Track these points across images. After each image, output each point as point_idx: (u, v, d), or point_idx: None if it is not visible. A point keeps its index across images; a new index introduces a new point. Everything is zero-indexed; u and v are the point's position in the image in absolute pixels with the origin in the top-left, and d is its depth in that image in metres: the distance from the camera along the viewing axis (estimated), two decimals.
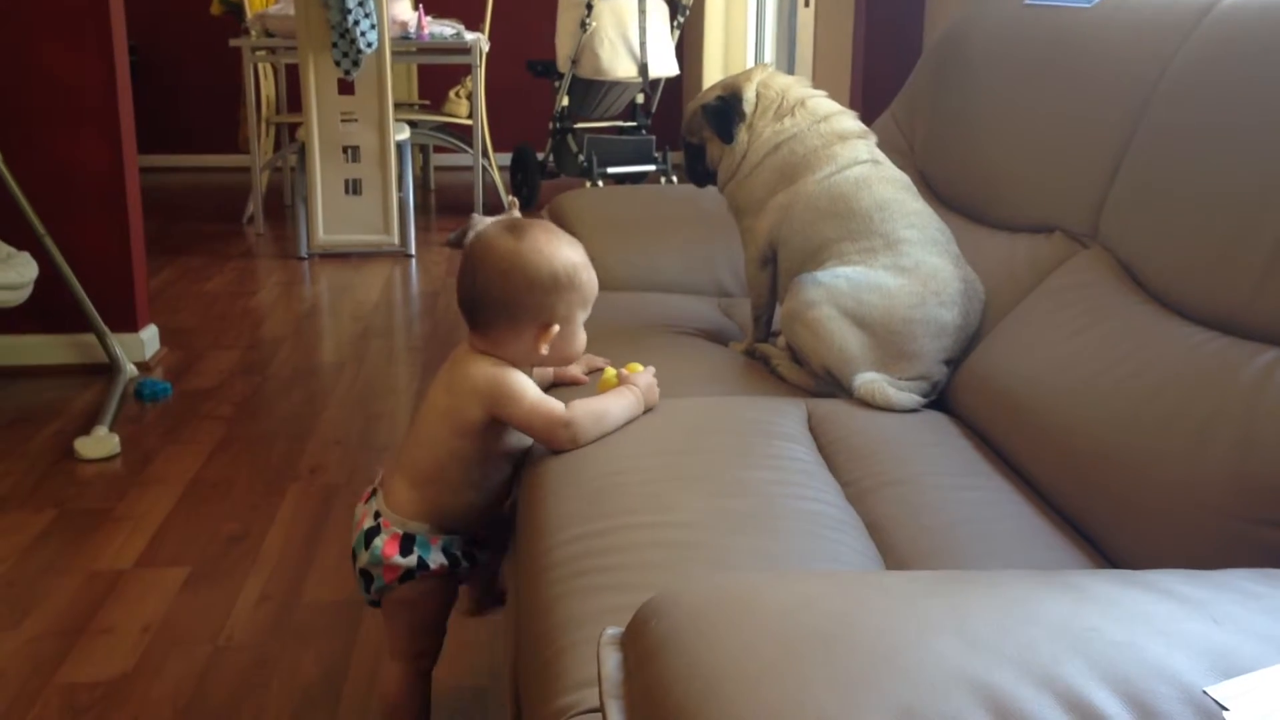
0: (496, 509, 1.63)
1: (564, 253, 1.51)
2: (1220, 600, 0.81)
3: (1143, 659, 0.73)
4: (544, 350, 1.52)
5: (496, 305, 1.50)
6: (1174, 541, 1.22)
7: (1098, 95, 1.77)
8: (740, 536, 1.26)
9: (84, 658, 1.96)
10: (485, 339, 1.53)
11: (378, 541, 1.54)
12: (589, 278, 1.53)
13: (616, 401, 1.56)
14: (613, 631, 0.89)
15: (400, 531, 1.55)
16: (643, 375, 1.61)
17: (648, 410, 1.59)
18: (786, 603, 0.81)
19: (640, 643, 0.82)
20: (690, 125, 2.06)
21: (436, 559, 1.55)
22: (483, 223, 5.28)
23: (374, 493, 1.60)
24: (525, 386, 1.51)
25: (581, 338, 1.56)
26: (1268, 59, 1.42)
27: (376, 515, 1.56)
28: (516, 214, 5.33)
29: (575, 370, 1.73)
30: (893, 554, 1.32)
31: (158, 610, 2.11)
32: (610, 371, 1.63)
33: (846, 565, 1.24)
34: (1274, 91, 1.39)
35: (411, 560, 1.54)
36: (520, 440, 1.57)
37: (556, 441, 1.51)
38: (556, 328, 1.51)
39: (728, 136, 1.97)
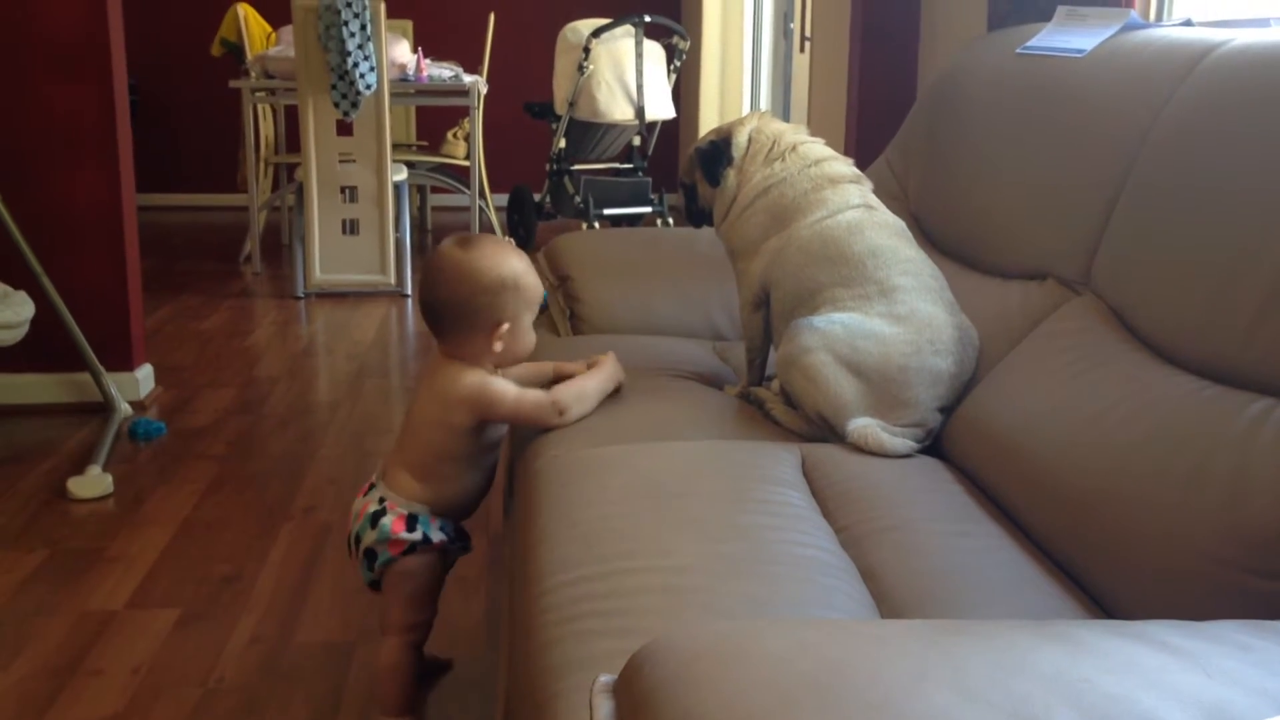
0: (485, 492, 1.86)
1: (509, 260, 1.75)
2: (1213, 652, 0.81)
3: (1135, 711, 0.73)
4: (497, 348, 1.74)
5: (453, 310, 1.74)
6: (1166, 590, 1.22)
7: (1090, 143, 1.79)
8: (734, 581, 1.25)
9: (74, 699, 1.94)
10: (449, 343, 1.77)
11: (385, 520, 1.76)
12: (533, 282, 1.77)
13: (592, 380, 1.85)
14: (605, 679, 0.89)
15: (405, 512, 1.77)
16: (604, 358, 1.90)
17: (618, 388, 1.88)
18: (780, 651, 0.81)
19: (633, 691, 0.82)
20: (686, 167, 2.09)
21: (437, 535, 1.79)
22: None
23: (372, 486, 1.82)
24: (504, 389, 1.77)
25: (530, 336, 1.80)
26: (1259, 108, 1.44)
27: (381, 500, 1.78)
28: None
29: (574, 366, 1.96)
30: (886, 600, 1.31)
31: (148, 651, 2.09)
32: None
33: (840, 611, 1.23)
34: (1265, 140, 1.40)
35: (416, 535, 1.77)
36: (501, 429, 1.84)
37: (549, 423, 1.78)
38: (507, 325, 1.74)
39: (713, 179, 2.00)
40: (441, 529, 1.80)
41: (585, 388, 1.83)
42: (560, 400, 1.79)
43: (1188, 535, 1.21)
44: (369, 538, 1.77)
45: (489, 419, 1.78)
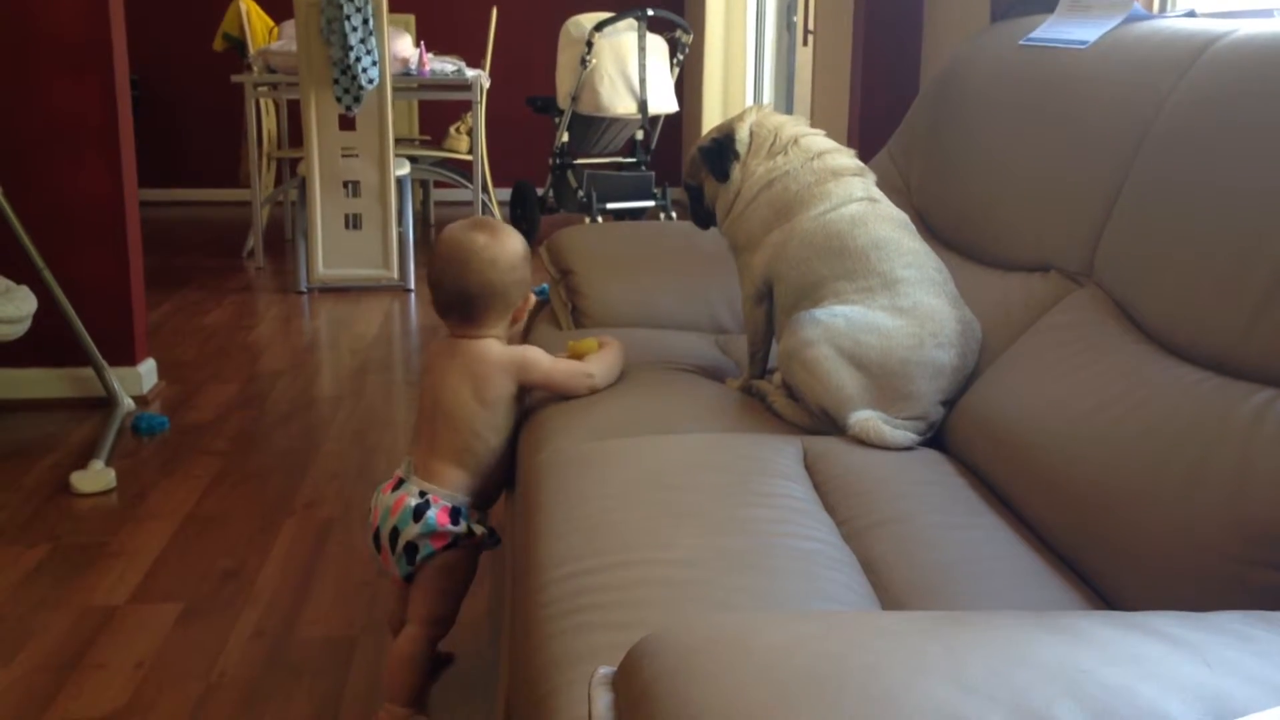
0: (508, 474, 1.88)
1: (514, 244, 1.84)
2: (1214, 643, 0.81)
3: (1136, 703, 0.73)
4: (518, 326, 1.88)
5: (488, 293, 1.80)
6: (1168, 582, 1.22)
7: (1093, 134, 1.78)
8: (735, 575, 1.25)
9: (76, 694, 1.94)
10: (478, 326, 1.83)
11: (431, 513, 1.77)
12: (528, 264, 1.87)
13: (613, 355, 1.95)
14: (605, 671, 0.89)
15: (449, 504, 1.79)
16: (607, 338, 2.00)
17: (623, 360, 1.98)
18: (780, 643, 0.81)
19: (632, 683, 0.82)
20: (690, 169, 2.08)
21: (479, 528, 1.81)
22: None
23: (400, 482, 1.81)
24: (538, 352, 1.87)
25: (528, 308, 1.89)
26: (1262, 99, 1.43)
27: (422, 494, 1.78)
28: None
29: (587, 344, 2.04)
30: (888, 593, 1.31)
31: (151, 646, 2.09)
32: (590, 341, 1.99)
33: (841, 604, 1.23)
34: (1268, 131, 1.39)
35: (461, 528, 1.78)
36: (523, 400, 1.90)
37: (578, 390, 1.88)
38: (533, 298, 1.86)
39: (722, 174, 1.98)
40: (481, 522, 1.83)
41: (611, 362, 1.93)
42: (590, 368, 1.89)
43: (1190, 527, 1.21)
44: (410, 531, 1.76)
45: (526, 382, 1.85)
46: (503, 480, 1.89)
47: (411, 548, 1.77)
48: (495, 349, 1.83)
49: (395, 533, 1.77)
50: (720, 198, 2.01)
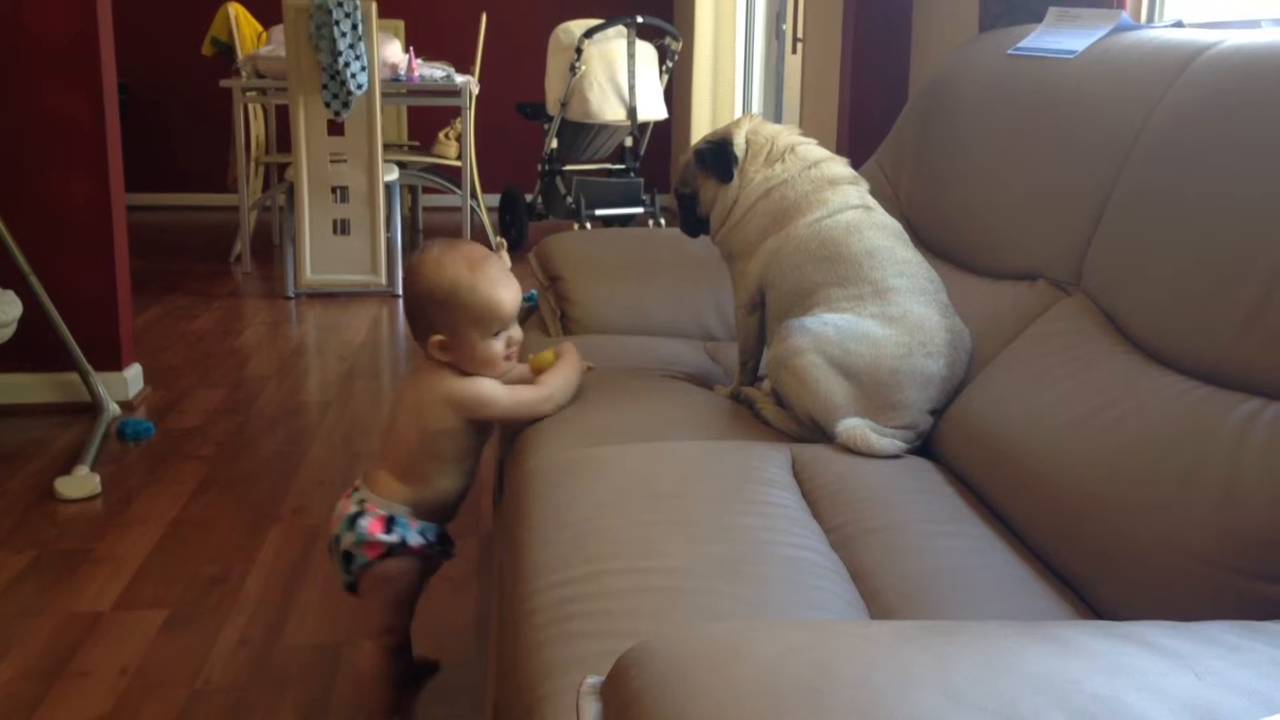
0: (465, 496, 1.83)
1: (447, 272, 1.69)
2: (1203, 654, 0.81)
3: (1125, 713, 0.73)
4: (441, 357, 1.72)
5: (411, 316, 1.75)
6: (1156, 591, 1.22)
7: (1081, 143, 1.79)
8: (724, 583, 1.25)
9: (61, 700, 1.93)
10: (424, 346, 1.74)
11: (363, 521, 1.72)
12: (481, 300, 1.69)
13: (569, 370, 1.88)
14: (593, 680, 0.88)
15: (384, 514, 1.73)
16: (564, 348, 1.91)
17: (580, 375, 1.91)
18: (769, 652, 0.80)
19: (621, 693, 0.82)
20: (684, 176, 2.06)
21: (415, 538, 1.74)
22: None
23: (355, 489, 1.77)
24: (493, 390, 1.75)
25: (488, 352, 1.72)
26: (1250, 109, 1.44)
27: (361, 502, 1.74)
28: (504, 255, 5.34)
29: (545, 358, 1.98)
30: (876, 601, 1.31)
31: (136, 653, 2.08)
32: (545, 354, 1.91)
33: (830, 613, 1.23)
34: (1256, 142, 1.40)
35: (394, 537, 1.73)
36: (486, 432, 1.81)
37: (542, 415, 1.83)
38: (440, 337, 1.70)
39: (727, 175, 1.97)
40: (422, 532, 1.76)
41: (565, 375, 1.87)
42: (546, 390, 1.83)
43: (1179, 537, 1.21)
44: (347, 540, 1.73)
45: (479, 418, 1.76)
46: (454, 501, 1.81)
47: (348, 556, 1.73)
48: (442, 382, 1.73)
49: (338, 540, 1.75)
50: (717, 205, 2.00)
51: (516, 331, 1.76)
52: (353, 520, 1.73)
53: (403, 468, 1.75)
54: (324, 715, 1.91)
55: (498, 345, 1.72)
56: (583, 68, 5.34)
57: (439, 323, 1.70)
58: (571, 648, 1.14)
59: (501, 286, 1.71)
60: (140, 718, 1.89)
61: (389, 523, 1.73)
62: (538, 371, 1.87)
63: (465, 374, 1.74)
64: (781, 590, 1.25)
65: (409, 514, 1.75)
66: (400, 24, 6.30)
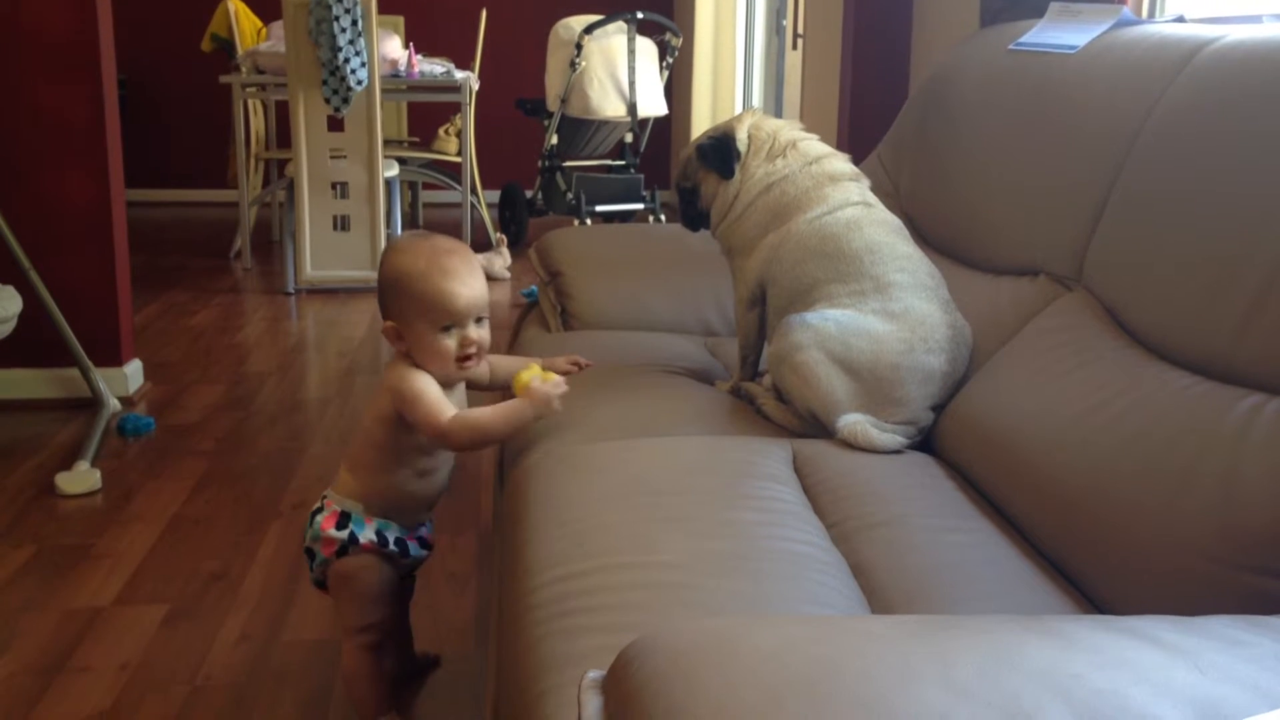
0: (430, 501, 1.78)
1: (398, 261, 1.66)
2: (1205, 648, 0.81)
3: (1127, 707, 0.73)
4: (396, 346, 1.69)
5: (378, 300, 1.71)
6: (1158, 587, 1.22)
7: (1082, 139, 1.79)
8: (724, 578, 1.25)
9: (61, 696, 1.93)
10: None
11: (318, 518, 1.73)
12: (423, 290, 1.63)
13: (501, 414, 1.68)
14: (594, 675, 0.88)
15: (339, 509, 1.72)
16: (544, 386, 1.69)
17: (537, 418, 1.70)
18: (770, 647, 0.80)
19: (622, 687, 0.81)
20: (685, 170, 2.06)
21: (367, 535, 1.72)
22: (499, 257, 5.30)
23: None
24: (421, 388, 1.66)
25: (437, 350, 1.66)
26: (1251, 104, 1.44)
27: (323, 497, 1.75)
28: (504, 251, 5.34)
29: (559, 363, 1.94)
30: (877, 596, 1.31)
31: (136, 649, 2.08)
32: (524, 375, 1.72)
33: (831, 608, 1.23)
34: (1257, 137, 1.40)
35: (344, 534, 1.71)
36: (414, 430, 1.70)
37: (440, 444, 1.70)
38: (390, 324, 1.67)
39: (728, 171, 1.97)
40: (379, 530, 1.72)
41: (488, 426, 1.67)
42: (450, 433, 1.65)
43: (1179, 532, 1.21)
44: (308, 535, 1.74)
45: (403, 414, 1.67)
46: (409, 502, 1.75)
47: (309, 552, 1.74)
48: (393, 369, 1.69)
49: (304, 536, 1.77)
50: (718, 200, 2.00)
51: (475, 332, 1.66)
52: (313, 515, 1.74)
53: (352, 457, 1.75)
54: (324, 711, 1.91)
55: (447, 342, 1.65)
56: (583, 63, 5.34)
57: (391, 309, 1.68)
58: (572, 643, 1.14)
59: (455, 280, 1.63)
60: (140, 713, 1.89)
61: (342, 518, 1.72)
62: (521, 389, 1.71)
63: (416, 366, 1.69)
64: (782, 585, 1.25)
65: (363, 510, 1.72)
66: (400, 20, 6.30)
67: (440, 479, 1.78)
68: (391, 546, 1.74)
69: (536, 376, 1.71)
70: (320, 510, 1.73)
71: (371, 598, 1.74)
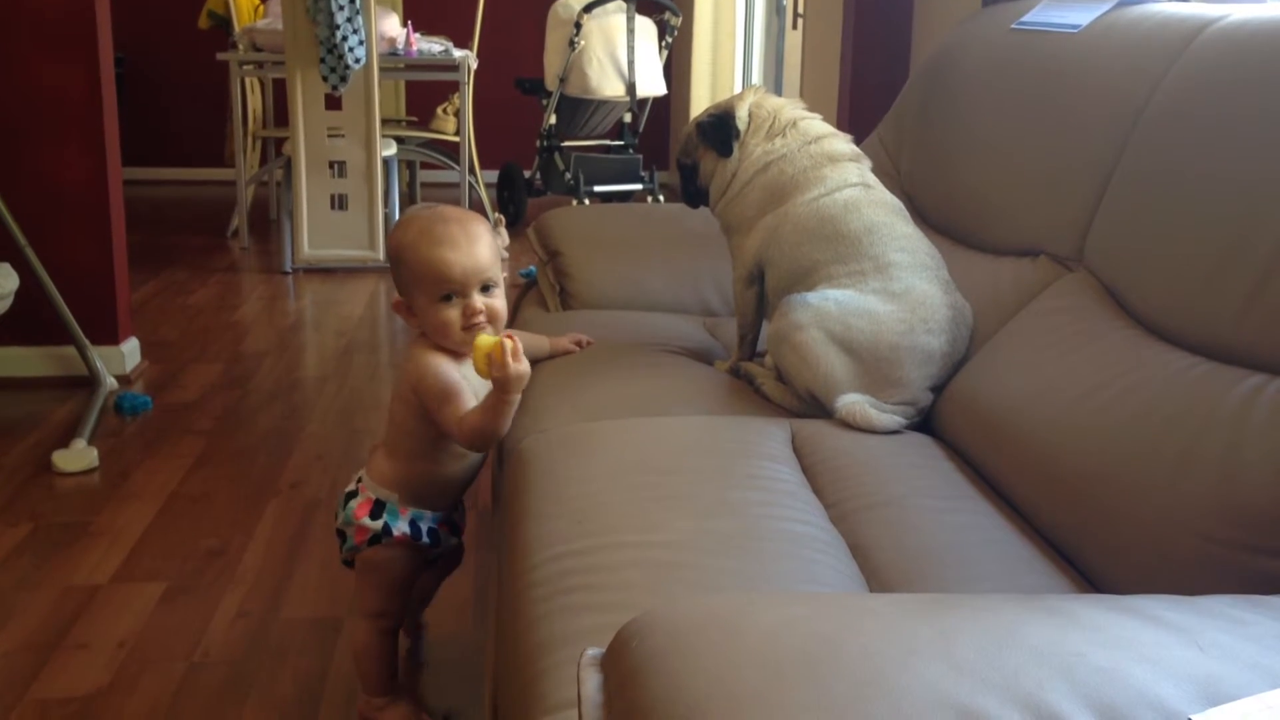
0: (465, 484, 1.76)
1: (397, 234, 1.64)
2: (1207, 627, 0.81)
3: (1128, 685, 0.73)
4: (408, 322, 1.66)
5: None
6: (1158, 566, 1.22)
7: (1084, 119, 1.78)
8: (724, 557, 1.25)
9: (58, 673, 1.93)
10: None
11: (352, 504, 1.70)
12: (415, 259, 1.60)
13: (490, 409, 1.55)
14: (593, 653, 0.88)
15: (374, 497, 1.69)
16: (502, 368, 1.51)
17: (518, 391, 1.55)
18: (770, 625, 0.80)
19: (621, 664, 0.81)
20: (685, 146, 2.05)
21: (400, 527, 1.69)
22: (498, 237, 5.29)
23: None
24: (434, 368, 1.61)
25: (432, 317, 1.61)
26: (1254, 84, 1.43)
27: (358, 480, 1.72)
28: (503, 231, 5.33)
29: (565, 342, 2.02)
30: (876, 576, 1.31)
31: (134, 626, 2.08)
32: (479, 360, 1.53)
33: (830, 587, 1.23)
34: (1261, 116, 1.39)
35: (378, 525, 1.68)
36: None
37: (452, 439, 1.64)
38: (397, 299, 1.67)
39: (726, 149, 1.96)
40: (413, 521, 1.70)
41: (486, 426, 1.57)
42: (460, 435, 1.60)
43: (1180, 512, 1.21)
44: (339, 518, 1.72)
45: (420, 394, 1.63)
46: (446, 488, 1.72)
47: (341, 534, 1.72)
48: (412, 353, 1.65)
49: (337, 515, 1.74)
50: (716, 178, 2.00)
51: (480, 300, 1.59)
52: (347, 499, 1.71)
53: (390, 443, 1.71)
54: (322, 688, 1.91)
55: (450, 312, 1.59)
56: (582, 43, 5.32)
57: (398, 284, 1.66)
58: (571, 621, 1.14)
59: (447, 247, 1.57)
60: (138, 690, 1.89)
61: (376, 507, 1.69)
62: (483, 354, 1.53)
63: (435, 346, 1.64)
64: (781, 565, 1.25)
65: (398, 500, 1.69)
66: None
67: (475, 457, 1.74)
68: (424, 539, 1.71)
69: (490, 353, 1.53)
70: (354, 495, 1.70)
71: (396, 588, 1.73)
